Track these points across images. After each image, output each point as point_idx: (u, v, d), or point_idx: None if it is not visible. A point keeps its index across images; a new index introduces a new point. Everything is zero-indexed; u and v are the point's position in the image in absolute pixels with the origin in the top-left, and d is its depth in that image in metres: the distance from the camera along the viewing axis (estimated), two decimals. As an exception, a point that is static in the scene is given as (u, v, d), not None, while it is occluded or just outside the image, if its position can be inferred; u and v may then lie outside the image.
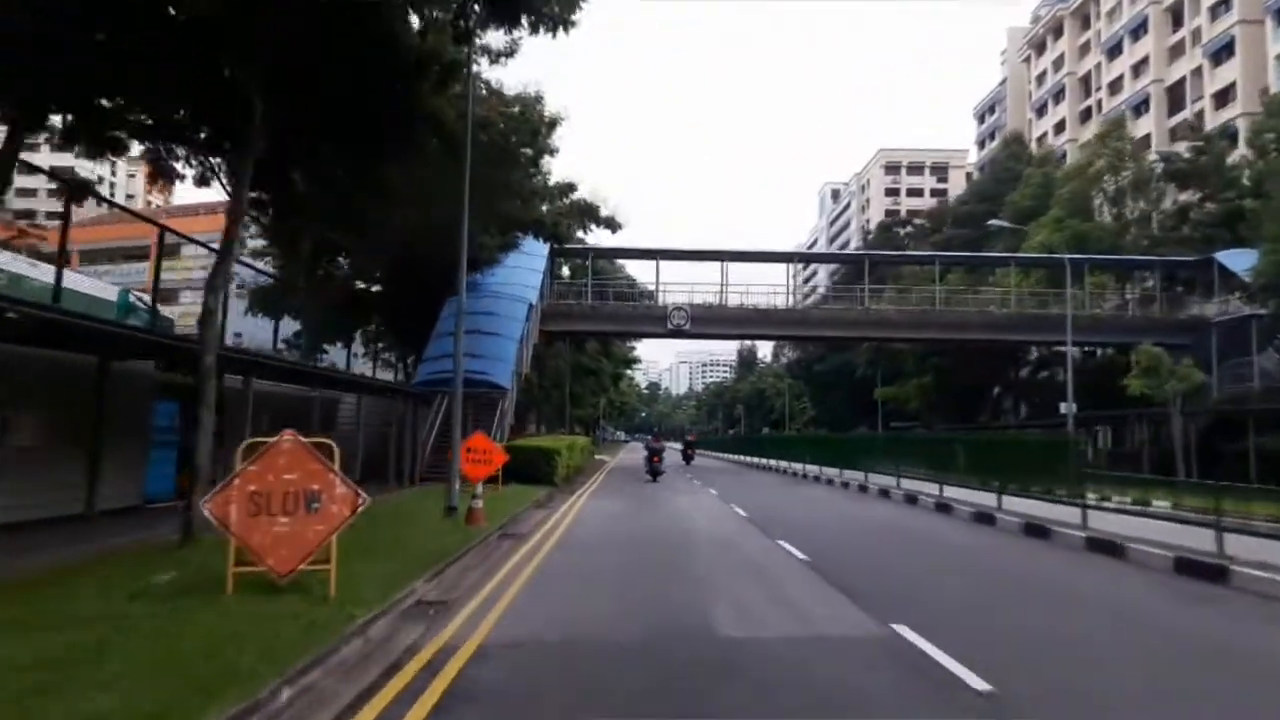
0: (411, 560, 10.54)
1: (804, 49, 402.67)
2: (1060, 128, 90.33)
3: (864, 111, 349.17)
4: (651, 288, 44.46)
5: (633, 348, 75.20)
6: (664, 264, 43.56)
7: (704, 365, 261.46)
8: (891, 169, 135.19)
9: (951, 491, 20.16)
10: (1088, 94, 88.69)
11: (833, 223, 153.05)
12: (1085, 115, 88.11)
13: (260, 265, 33.04)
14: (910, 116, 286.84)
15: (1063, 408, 36.02)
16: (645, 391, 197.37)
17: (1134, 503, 15.44)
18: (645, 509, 20.43)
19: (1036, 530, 14.45)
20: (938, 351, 52.96)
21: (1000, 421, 62.98)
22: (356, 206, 28.47)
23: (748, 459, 55.16)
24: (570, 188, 36.87)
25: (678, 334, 42.43)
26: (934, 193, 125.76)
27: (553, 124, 28.19)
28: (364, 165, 19.38)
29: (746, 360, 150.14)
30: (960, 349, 53.72)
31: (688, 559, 11.99)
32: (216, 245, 12.02)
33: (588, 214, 39.97)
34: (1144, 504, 15.37)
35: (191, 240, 18.38)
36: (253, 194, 21.52)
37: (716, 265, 43.44)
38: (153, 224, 16.98)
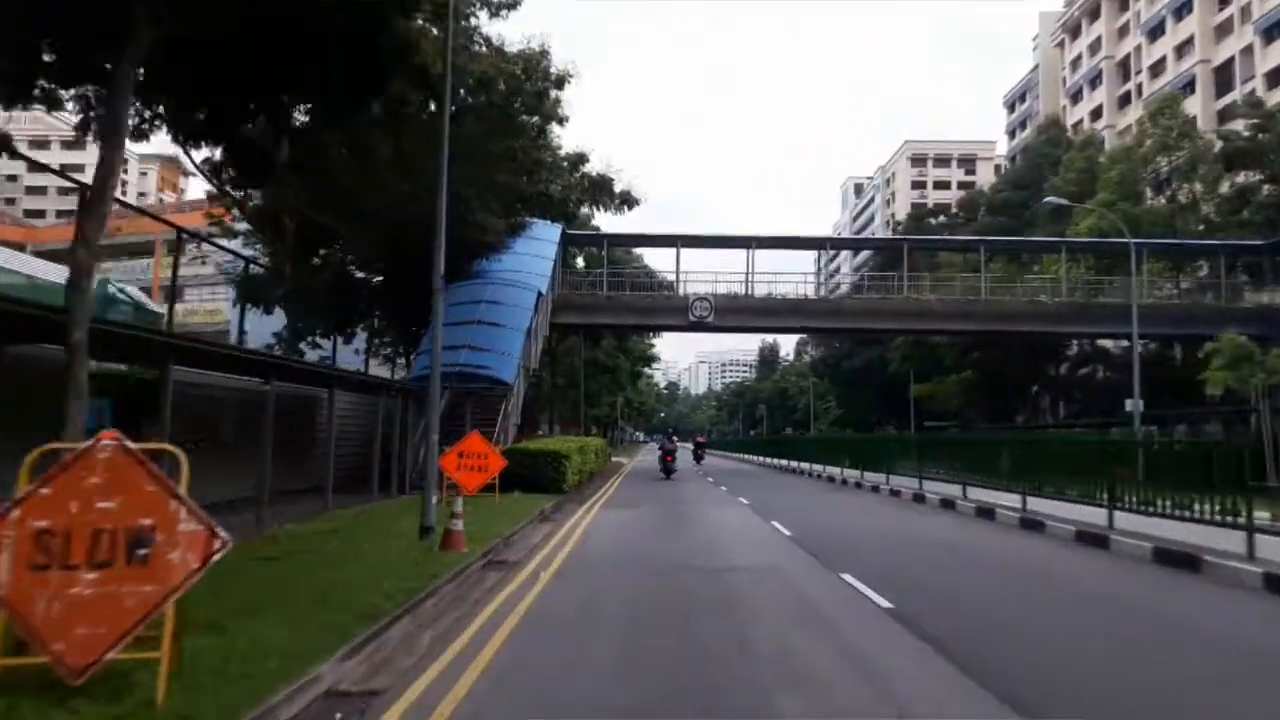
0: (343, 614, 7.45)
1: (824, 42, 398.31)
2: (1097, 114, 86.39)
3: (887, 105, 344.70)
4: (671, 278, 41.32)
5: (651, 345, 72.03)
6: (685, 255, 40.52)
7: (723, 365, 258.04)
8: (918, 161, 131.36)
9: (1037, 504, 16.86)
10: (1126, 78, 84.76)
11: (855, 218, 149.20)
12: (1124, 100, 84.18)
13: (243, 251, 30.17)
14: (936, 109, 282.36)
15: (1128, 405, 32.67)
16: (664, 391, 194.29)
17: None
18: (668, 526, 17.32)
19: (1177, 559, 11.15)
20: (979, 345, 49.43)
21: (1038, 421, 59.39)
22: (340, 179, 25.68)
23: (773, 461, 51.87)
24: (581, 159, 33.74)
25: (700, 326, 39.23)
26: (961, 185, 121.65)
27: (560, 81, 25.09)
28: (332, 114, 16.39)
29: (768, 359, 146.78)
30: (1003, 343, 50.24)
31: (727, 607, 8.82)
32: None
33: (601, 189, 36.76)
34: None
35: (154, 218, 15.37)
36: (203, 147, 18.59)
37: (740, 255, 40.34)
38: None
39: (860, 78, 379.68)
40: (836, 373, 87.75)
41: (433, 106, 27.56)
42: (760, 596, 9.43)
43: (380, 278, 35.67)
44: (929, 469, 25.04)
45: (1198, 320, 38.36)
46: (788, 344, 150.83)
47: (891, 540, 14.78)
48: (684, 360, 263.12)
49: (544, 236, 37.19)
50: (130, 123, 15.37)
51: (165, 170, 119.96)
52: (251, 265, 30.35)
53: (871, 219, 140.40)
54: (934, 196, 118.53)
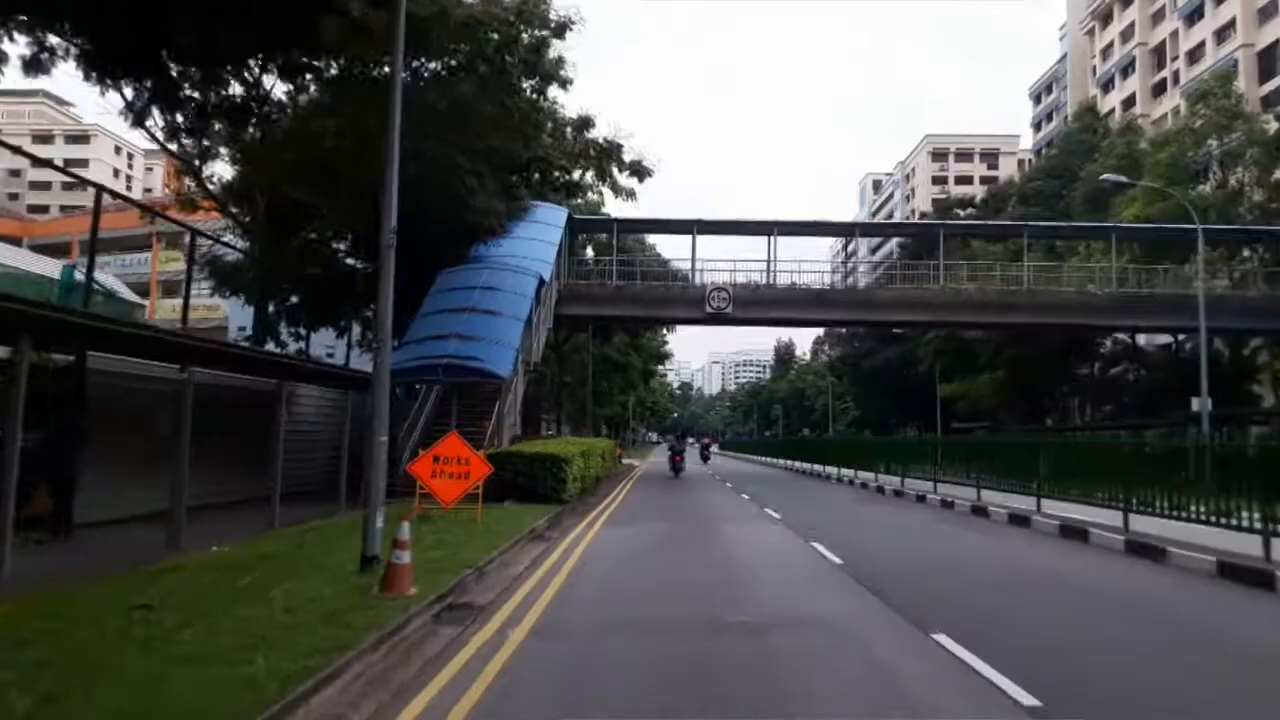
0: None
1: (838, 40, 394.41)
2: (1129, 103, 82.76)
3: (903, 103, 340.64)
4: (685, 268, 38.11)
5: (664, 342, 68.87)
6: (701, 244, 37.45)
7: (737, 365, 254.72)
8: (938, 156, 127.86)
9: (1144, 524, 13.67)
10: (1161, 65, 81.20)
11: (874, 214, 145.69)
12: (1158, 89, 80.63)
13: (216, 235, 27.28)
14: (953, 109, 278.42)
15: (1195, 404, 29.41)
16: (678, 392, 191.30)
17: None
18: (687, 552, 14.26)
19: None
20: (1015, 341, 46.03)
21: (1068, 423, 55.93)
22: (314, 147, 22.72)
23: (793, 464, 48.69)
24: (586, 123, 30.69)
25: (718, 319, 36.10)
26: (984, 180, 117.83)
27: (561, 29, 22.02)
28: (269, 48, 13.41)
29: (783, 358, 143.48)
30: (1038, 339, 46.93)
31: (782, 710, 5.70)
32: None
33: (608, 156, 33.23)
34: None
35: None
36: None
37: (760, 244, 37.22)
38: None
39: (873, 76, 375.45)
40: (857, 372, 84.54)
41: (415, 64, 24.80)
42: (828, 685, 6.30)
43: (371, 264, 32.87)
44: (985, 477, 21.83)
45: (1260, 312, 34.99)
46: (804, 343, 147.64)
47: (978, 574, 11.59)
48: (697, 361, 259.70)
49: (548, 220, 34.22)
50: (24, 52, 12.48)
51: (171, 164, 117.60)
52: (222, 246, 27.54)
53: (891, 215, 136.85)
54: (955, 192, 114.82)
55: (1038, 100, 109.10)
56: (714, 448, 68.80)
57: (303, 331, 32.34)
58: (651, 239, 46.18)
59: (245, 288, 30.43)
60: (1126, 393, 55.31)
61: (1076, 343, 50.92)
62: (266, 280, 28.78)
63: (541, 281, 29.35)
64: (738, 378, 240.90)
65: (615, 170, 32.71)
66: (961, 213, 65.59)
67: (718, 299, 35.38)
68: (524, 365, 27.60)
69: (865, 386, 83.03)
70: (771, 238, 37.17)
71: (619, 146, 32.68)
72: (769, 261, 36.67)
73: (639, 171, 32.06)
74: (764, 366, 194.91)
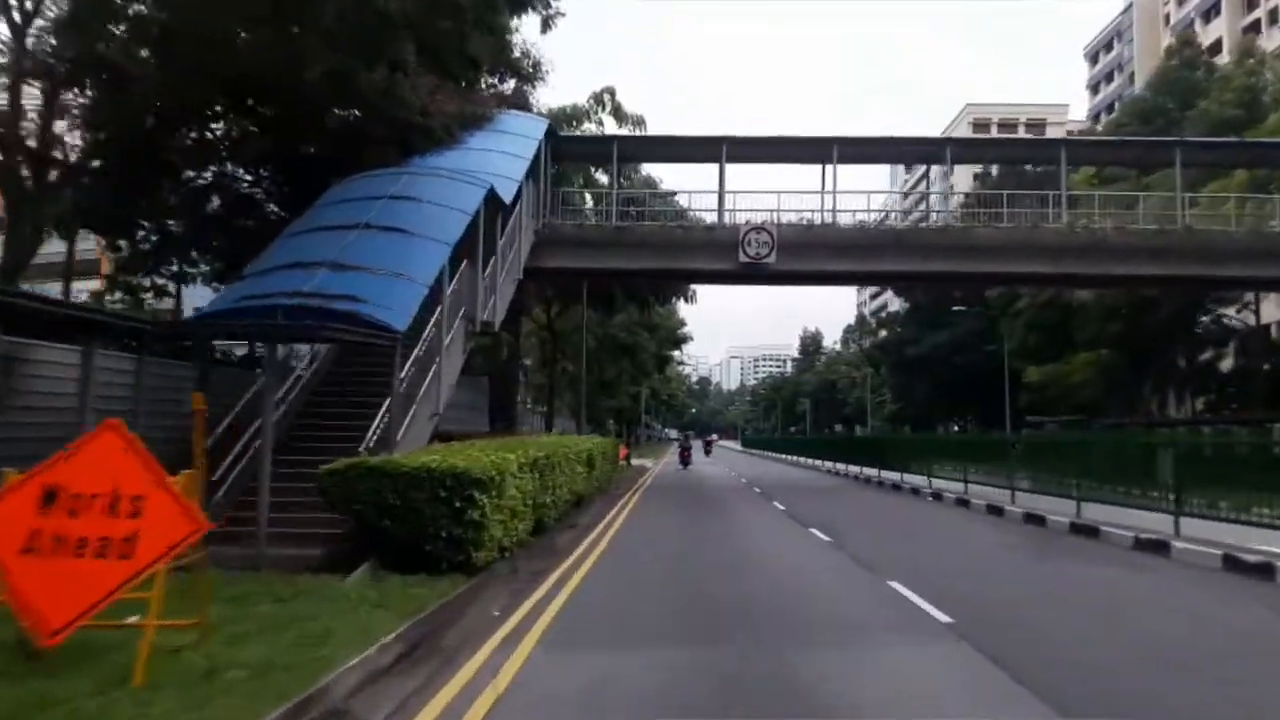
0: None
1: (864, 16, 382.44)
2: (1215, 50, 72.14)
3: (942, 72, 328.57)
4: (710, 219, 27.96)
5: (683, 322, 58.82)
6: (733, 180, 27.45)
7: (756, 360, 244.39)
8: (980, 127, 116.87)
9: None
10: (1253, 5, 70.68)
11: (906, 194, 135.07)
12: (1251, 29, 69.96)
13: None
14: (994, 78, 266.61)
15: None
16: (695, 386, 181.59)
17: None
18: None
19: None
20: (1131, 309, 35.68)
21: (1150, 418, 45.66)
22: None
23: (831, 466, 38.77)
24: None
25: (755, 273, 26.21)
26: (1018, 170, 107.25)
27: None
28: None
29: (809, 349, 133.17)
30: (1152, 308, 36.82)
31: None
32: None
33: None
34: None
35: None
36: None
37: (810, 175, 27.43)
38: None
39: (901, 52, 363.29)
40: (899, 360, 74.66)
41: None
42: None
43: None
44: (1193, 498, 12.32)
45: None
46: (832, 332, 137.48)
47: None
48: (715, 355, 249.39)
49: (519, 131, 24.61)
50: None
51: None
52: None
53: (926, 195, 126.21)
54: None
55: (1094, 60, 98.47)
56: (722, 443, 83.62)
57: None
58: (662, 174, 35.87)
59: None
60: (1237, 381, 45.24)
61: (1182, 318, 40.88)
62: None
63: (498, 202, 19.56)
64: (757, 372, 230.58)
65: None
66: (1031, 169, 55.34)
67: (756, 243, 25.45)
68: (466, 323, 17.89)
69: (907, 375, 73.21)
70: (826, 167, 27.21)
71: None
72: (824, 192, 26.75)
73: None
74: (784, 361, 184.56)
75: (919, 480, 25.51)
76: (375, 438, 13.32)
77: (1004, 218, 26.47)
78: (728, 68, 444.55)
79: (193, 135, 21.42)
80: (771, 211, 26.76)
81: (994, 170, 62.66)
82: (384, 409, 13.41)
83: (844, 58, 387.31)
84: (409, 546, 9.49)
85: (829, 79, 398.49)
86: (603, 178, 31.99)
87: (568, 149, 28.42)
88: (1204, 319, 42.81)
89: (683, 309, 57.70)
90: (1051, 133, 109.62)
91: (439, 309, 15.74)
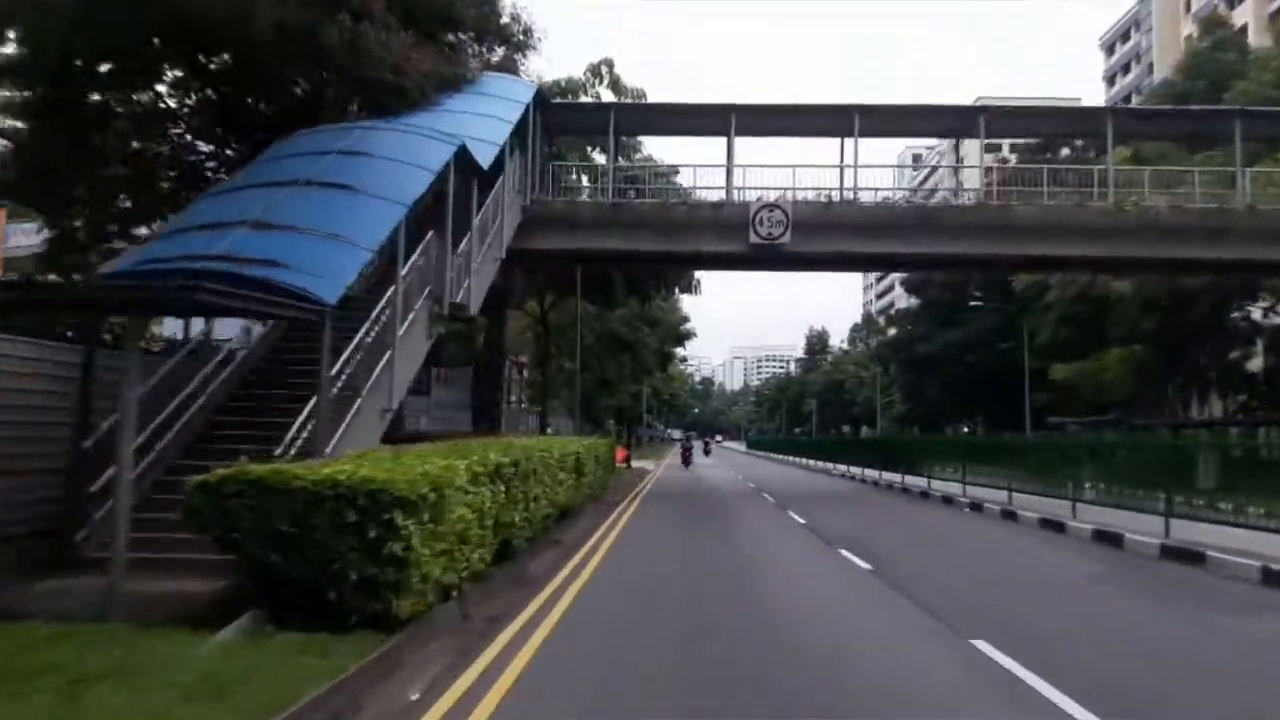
0: None
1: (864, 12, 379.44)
2: (1240, 35, 69.29)
3: (943, 71, 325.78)
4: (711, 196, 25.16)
5: (686, 318, 56.14)
6: (742, 154, 24.72)
7: (759, 361, 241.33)
8: (992, 147, 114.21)
9: None
10: (1281, -10, 67.79)
11: (914, 191, 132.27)
12: (1279, 15, 67.14)
13: None
14: (997, 74, 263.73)
15: None
16: (699, 386, 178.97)
17: None
18: None
19: None
20: (1169, 300, 32.82)
21: (1181, 415, 42.85)
22: None
23: (846, 470, 36.08)
24: None
25: (767, 254, 23.52)
26: (1041, 148, 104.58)
27: None
28: None
29: (815, 348, 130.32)
30: (1190, 300, 34.05)
31: None
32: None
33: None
34: None
35: None
36: None
37: (826, 150, 24.77)
38: None
39: (901, 53, 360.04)
40: (909, 358, 72.01)
41: None
42: None
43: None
44: None
45: None
46: (838, 330, 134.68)
47: None
48: (718, 356, 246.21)
49: (502, 94, 21.96)
50: None
51: None
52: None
53: (935, 192, 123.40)
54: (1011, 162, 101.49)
55: (1110, 50, 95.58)
56: (726, 444, 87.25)
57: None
58: (665, 153, 32.79)
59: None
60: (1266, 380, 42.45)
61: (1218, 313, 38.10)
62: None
63: (472, 167, 16.88)
64: (760, 373, 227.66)
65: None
66: (1048, 156, 52.61)
67: (768, 222, 22.76)
68: (432, 303, 15.23)
69: (916, 375, 70.60)
70: (845, 141, 24.59)
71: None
72: (846, 167, 24.06)
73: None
74: (787, 361, 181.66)
75: (950, 488, 22.82)
76: (301, 439, 10.67)
77: (1044, 196, 23.74)
78: (727, 67, 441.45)
79: (140, 102, 18.92)
80: (784, 190, 24.12)
81: (1006, 149, 59.91)
82: (312, 402, 10.73)
83: (844, 57, 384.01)
84: (308, 589, 6.83)
85: (829, 78, 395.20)
86: (600, 159, 29.33)
87: (560, 120, 25.73)
88: (1233, 315, 40.13)
89: (685, 305, 55.21)
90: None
91: (395, 285, 13.07)
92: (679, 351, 63.80)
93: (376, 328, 12.94)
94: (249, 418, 12.10)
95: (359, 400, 12.08)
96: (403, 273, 13.26)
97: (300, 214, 11.78)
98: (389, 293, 13.01)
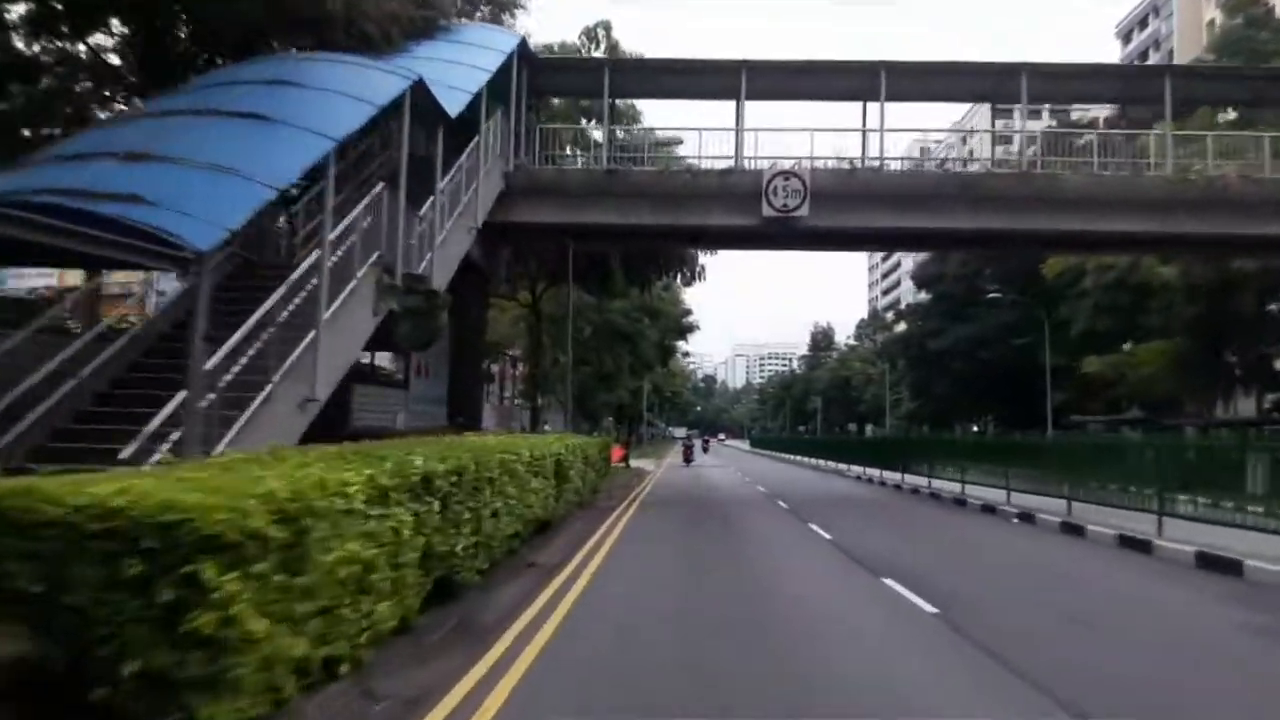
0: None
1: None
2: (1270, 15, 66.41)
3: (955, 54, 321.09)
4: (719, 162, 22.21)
5: (688, 311, 53.40)
6: (754, 120, 21.91)
7: (762, 359, 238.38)
8: (1002, 114, 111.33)
9: None
10: (1309, -29, 64.87)
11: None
12: (1309, -3, 64.26)
13: None
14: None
15: None
16: (701, 384, 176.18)
17: None
18: None
19: None
20: (1219, 286, 29.98)
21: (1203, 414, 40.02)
22: None
23: (861, 472, 33.36)
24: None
25: (782, 229, 20.77)
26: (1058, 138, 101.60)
27: None
28: None
29: (820, 344, 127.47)
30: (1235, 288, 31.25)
31: None
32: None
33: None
34: None
35: None
36: None
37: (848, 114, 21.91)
38: None
39: (901, 53, 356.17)
40: (919, 355, 69.46)
41: None
42: None
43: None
44: None
45: None
46: (841, 327, 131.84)
47: None
48: (720, 353, 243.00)
49: (479, 43, 19.32)
50: None
51: None
52: None
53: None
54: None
55: (1127, 39, 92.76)
56: (730, 442, 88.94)
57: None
58: (666, 101, 29.73)
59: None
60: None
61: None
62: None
63: (436, 112, 14.14)
64: (763, 371, 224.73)
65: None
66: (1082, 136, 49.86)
67: (784, 192, 20.02)
68: (378, 270, 12.51)
69: (925, 372, 68.09)
70: (868, 105, 21.89)
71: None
72: (871, 131, 21.33)
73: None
74: (790, 359, 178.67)
75: (987, 494, 20.07)
76: (173, 438, 7.96)
77: (1094, 165, 20.99)
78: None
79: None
80: (798, 159, 21.32)
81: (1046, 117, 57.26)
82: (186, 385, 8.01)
83: (843, 54, 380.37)
84: (68, 688, 4.13)
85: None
86: (597, 135, 26.54)
87: (549, 81, 22.98)
88: (1270, 307, 37.40)
89: (686, 300, 52.55)
90: (1076, 116, 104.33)
91: (321, 245, 10.36)
92: (681, 345, 61.02)
93: (300, 298, 10.24)
94: (154, 394, 9.36)
95: (269, 387, 9.39)
96: (331, 234, 10.58)
97: (191, 146, 9.07)
98: (313, 255, 10.32)
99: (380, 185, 12.66)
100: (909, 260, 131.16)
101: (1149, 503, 13.59)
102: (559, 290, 32.39)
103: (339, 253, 11.25)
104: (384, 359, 27.30)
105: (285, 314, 9.89)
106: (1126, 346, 43.67)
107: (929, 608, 8.30)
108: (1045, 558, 12.45)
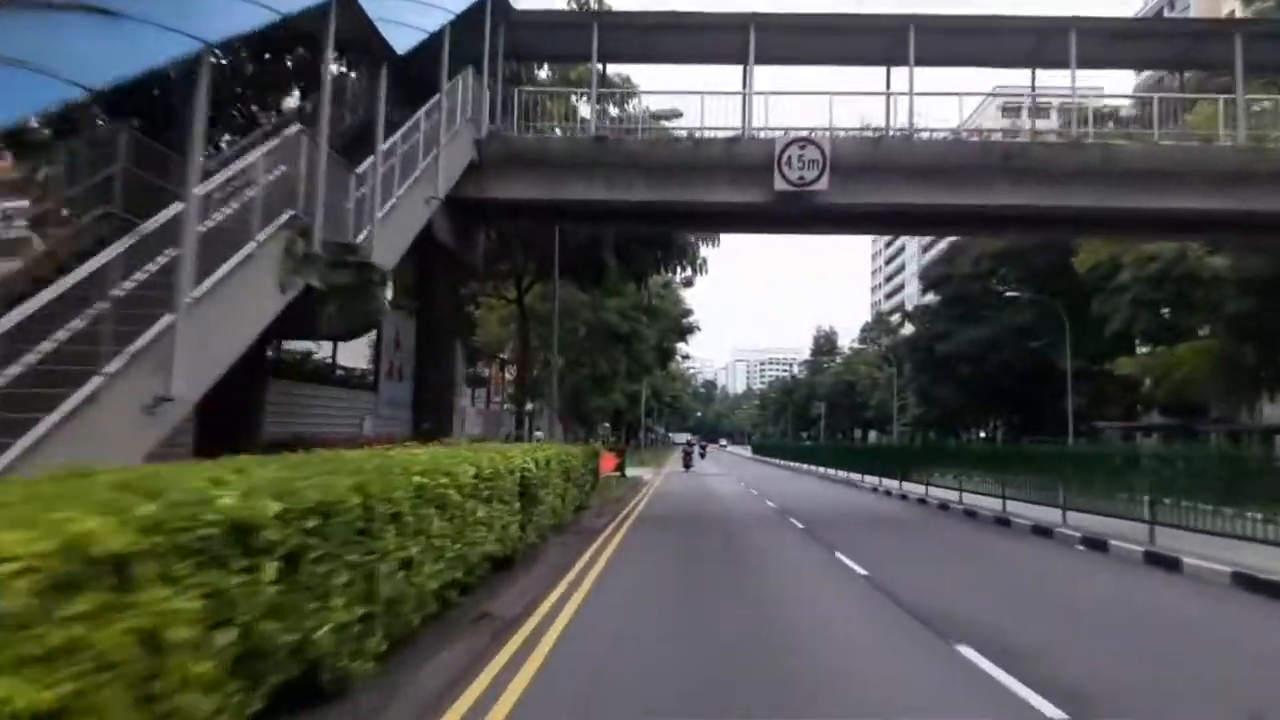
0: None
1: None
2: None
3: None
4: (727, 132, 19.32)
5: (688, 312, 50.64)
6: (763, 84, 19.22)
7: (762, 364, 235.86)
8: (1009, 112, 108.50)
9: None
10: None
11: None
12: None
13: None
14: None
15: None
16: (701, 390, 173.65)
17: None
18: None
19: None
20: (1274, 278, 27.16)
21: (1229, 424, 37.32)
22: None
23: (877, 483, 30.55)
24: None
25: (797, 206, 18.05)
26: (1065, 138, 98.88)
27: None
28: None
29: (823, 348, 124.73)
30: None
31: None
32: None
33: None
34: None
35: None
36: None
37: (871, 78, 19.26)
38: None
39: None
40: (927, 358, 67.00)
41: None
42: None
43: None
44: None
45: None
46: (845, 330, 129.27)
47: None
48: (720, 359, 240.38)
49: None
50: None
51: None
52: None
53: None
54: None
55: None
56: (730, 448, 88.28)
57: None
58: (663, 65, 26.80)
59: None
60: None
61: None
62: None
63: (370, 40, 11.41)
64: (763, 376, 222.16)
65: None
66: (1112, 122, 47.32)
67: (799, 162, 17.30)
68: (291, 234, 9.74)
69: (932, 376, 65.54)
70: (892, 72, 19.21)
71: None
72: (898, 94, 18.63)
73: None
74: (790, 364, 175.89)
75: (1040, 514, 17.25)
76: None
77: (1155, 134, 18.28)
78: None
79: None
80: (814, 130, 18.58)
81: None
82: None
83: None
84: None
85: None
86: (584, 110, 23.79)
87: (530, 40, 20.23)
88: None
89: (685, 298, 49.90)
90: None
91: (187, 196, 7.62)
92: (680, 347, 58.28)
93: (158, 264, 7.48)
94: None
95: (98, 380, 6.63)
96: (196, 153, 7.79)
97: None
98: (174, 209, 7.58)
99: (296, 127, 9.93)
100: (913, 263, 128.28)
101: (1263, 530, 10.82)
102: (548, 285, 29.64)
103: (230, 207, 8.52)
104: (360, 358, 24.50)
105: (132, 283, 7.14)
106: (1143, 350, 41.10)
107: (1046, 708, 5.52)
108: (1168, 610, 9.53)
